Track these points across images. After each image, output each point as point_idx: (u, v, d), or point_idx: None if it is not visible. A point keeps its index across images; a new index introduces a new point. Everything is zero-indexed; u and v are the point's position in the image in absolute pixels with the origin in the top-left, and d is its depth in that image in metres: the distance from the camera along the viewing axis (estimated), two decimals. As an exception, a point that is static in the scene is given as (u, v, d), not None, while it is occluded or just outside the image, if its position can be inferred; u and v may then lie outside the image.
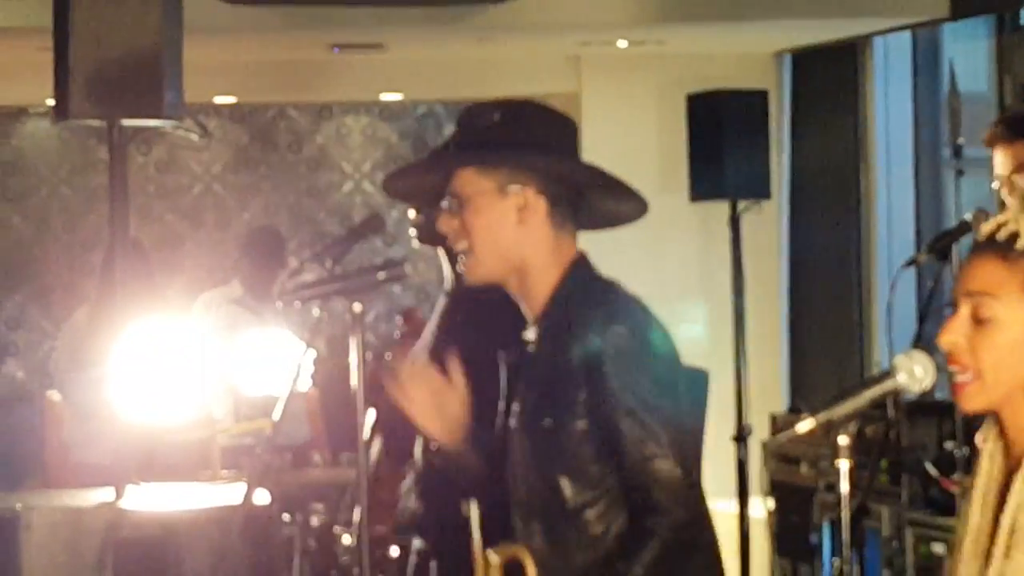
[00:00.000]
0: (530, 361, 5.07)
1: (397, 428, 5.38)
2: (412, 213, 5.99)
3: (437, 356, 5.41)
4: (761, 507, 10.84)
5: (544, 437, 4.99)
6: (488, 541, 5.03)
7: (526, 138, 5.17)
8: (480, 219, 5.06)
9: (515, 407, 5.05)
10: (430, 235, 5.32)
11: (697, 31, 12.01)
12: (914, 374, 3.96)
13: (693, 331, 11.64)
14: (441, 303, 5.59)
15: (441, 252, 5.29)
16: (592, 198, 5.18)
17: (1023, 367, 3.82)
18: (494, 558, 4.75)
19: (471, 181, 5.08)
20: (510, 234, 5.06)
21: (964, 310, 3.88)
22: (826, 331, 12.65)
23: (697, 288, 12.09)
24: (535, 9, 10.89)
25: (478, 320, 5.28)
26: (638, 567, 4.90)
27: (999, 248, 3.86)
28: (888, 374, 4.00)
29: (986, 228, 3.92)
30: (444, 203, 5.10)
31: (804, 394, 12.40)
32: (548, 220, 5.08)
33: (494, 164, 5.08)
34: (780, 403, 12.18)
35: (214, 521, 6.96)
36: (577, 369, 4.97)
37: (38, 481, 8.85)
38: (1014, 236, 3.84)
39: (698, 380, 9.48)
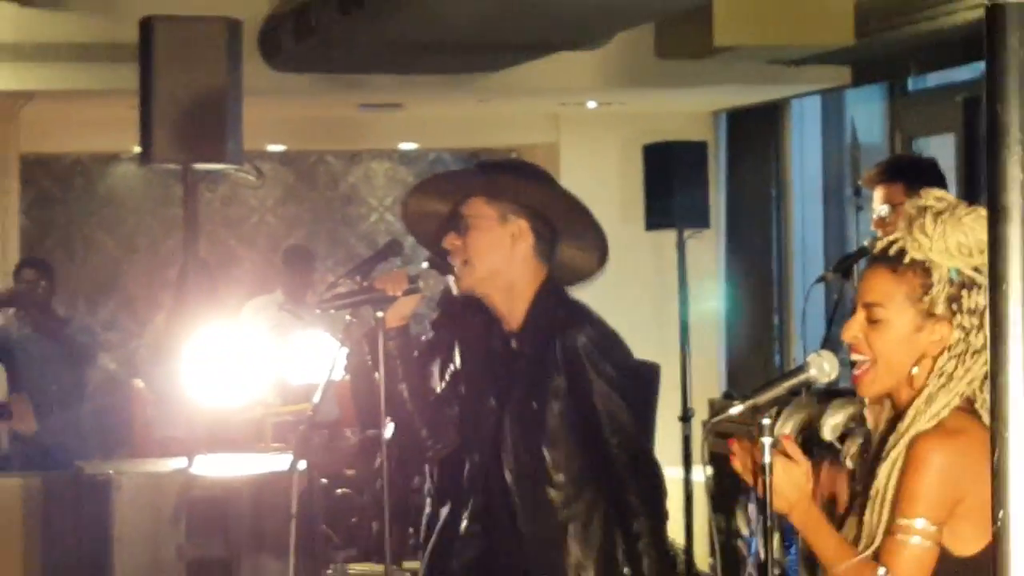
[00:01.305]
0: (515, 358, 5.09)
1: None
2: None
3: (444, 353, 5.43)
4: (701, 473, 10.84)
5: (531, 418, 5.00)
6: (489, 497, 5.12)
7: (525, 177, 5.23)
8: (482, 238, 5.05)
9: (508, 394, 5.06)
10: (441, 265, 5.32)
11: (652, 95, 12.02)
12: (823, 369, 3.93)
13: (647, 334, 11.59)
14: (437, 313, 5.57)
15: (450, 278, 5.28)
16: (563, 243, 5.20)
17: (908, 359, 3.80)
18: None
19: (479, 208, 5.08)
20: (504, 253, 5.06)
21: (861, 313, 3.87)
22: (754, 333, 12.65)
23: (650, 300, 12.07)
24: (522, 77, 10.88)
25: (475, 328, 5.27)
26: (633, 497, 4.93)
27: (889, 262, 3.83)
28: (802, 368, 3.97)
29: (880, 244, 3.93)
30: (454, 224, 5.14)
31: (736, 384, 12.39)
32: (533, 248, 5.09)
33: (500, 195, 5.10)
34: (717, 391, 12.13)
35: (265, 483, 6.94)
36: (553, 365, 4.99)
37: (126, 451, 8.83)
38: (902, 252, 3.84)
39: (652, 372, 9.52)
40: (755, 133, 12.65)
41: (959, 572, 3.71)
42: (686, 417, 11.25)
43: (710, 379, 12.50)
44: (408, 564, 7.08)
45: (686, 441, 11.24)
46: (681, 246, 11.48)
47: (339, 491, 6.66)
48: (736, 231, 12.86)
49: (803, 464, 3.83)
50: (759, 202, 12.50)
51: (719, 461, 10.15)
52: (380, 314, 5.19)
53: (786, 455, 3.83)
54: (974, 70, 9.90)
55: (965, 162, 9.79)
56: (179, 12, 9.35)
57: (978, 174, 9.63)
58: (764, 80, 11.43)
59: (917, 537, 3.67)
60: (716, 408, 10.78)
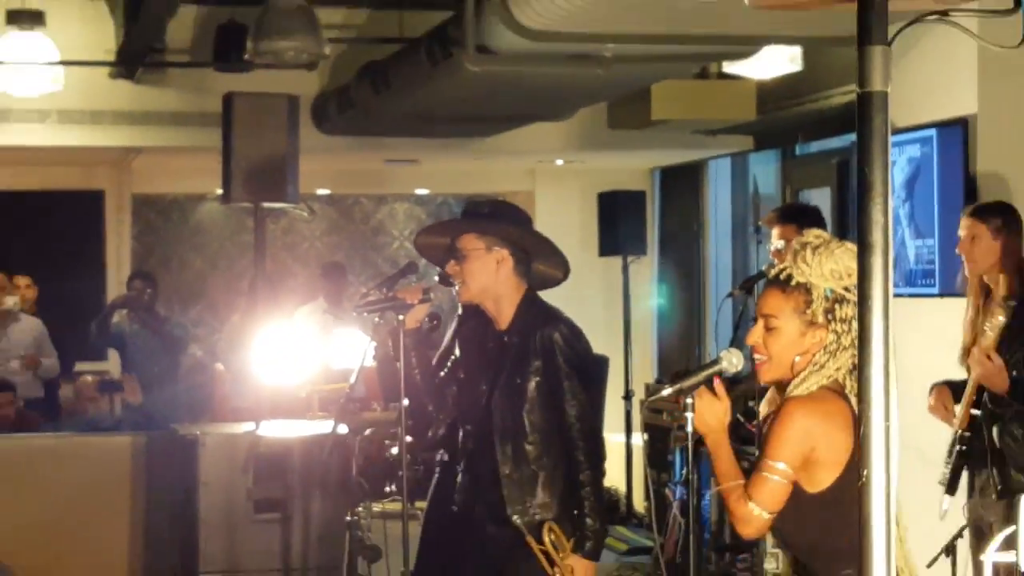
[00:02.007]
0: (505, 349, 5.11)
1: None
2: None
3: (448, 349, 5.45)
4: (639, 438, 10.86)
5: (514, 390, 5.02)
6: (478, 455, 5.13)
7: (506, 219, 5.23)
8: (474, 265, 5.07)
9: (500, 374, 5.08)
10: (444, 280, 5.32)
11: (604, 155, 12.00)
12: (732, 362, 3.94)
13: (599, 334, 11.53)
14: (455, 319, 5.58)
15: (453, 291, 5.29)
16: (535, 262, 5.21)
17: (789, 356, 3.82)
18: None
19: (471, 241, 5.09)
20: (491, 275, 5.08)
21: (760, 323, 3.89)
22: (679, 333, 12.64)
23: (602, 308, 12.03)
24: (507, 141, 10.89)
25: (474, 328, 5.28)
26: (580, 455, 4.94)
27: (780, 284, 3.84)
28: (716, 361, 3.99)
29: (772, 271, 3.95)
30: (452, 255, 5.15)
31: (665, 371, 12.37)
32: (513, 269, 5.11)
33: (486, 232, 5.11)
34: (651, 377, 12.16)
35: (314, 443, 6.90)
36: (534, 352, 5.02)
37: (208, 418, 8.79)
38: (789, 276, 3.86)
39: (603, 363, 9.52)
40: (681, 185, 12.63)
41: (811, 505, 3.72)
42: (627, 396, 11.29)
43: (646, 368, 12.48)
44: (420, 503, 7.07)
45: (627, 415, 11.27)
46: (625, 269, 11.53)
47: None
48: (666, 258, 12.83)
49: (724, 401, 3.87)
50: (684, 236, 12.49)
51: (652, 430, 10.26)
52: (401, 317, 5.22)
53: (713, 392, 3.86)
54: (845, 140, 9.89)
55: (838, 209, 9.79)
56: (252, 90, 9.45)
57: (847, 218, 9.65)
58: (688, 145, 11.44)
59: (777, 476, 3.71)
60: (650, 391, 10.81)
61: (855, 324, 3.76)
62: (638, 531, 10.63)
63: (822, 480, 3.70)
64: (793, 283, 3.83)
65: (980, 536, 6.26)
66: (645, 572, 9.39)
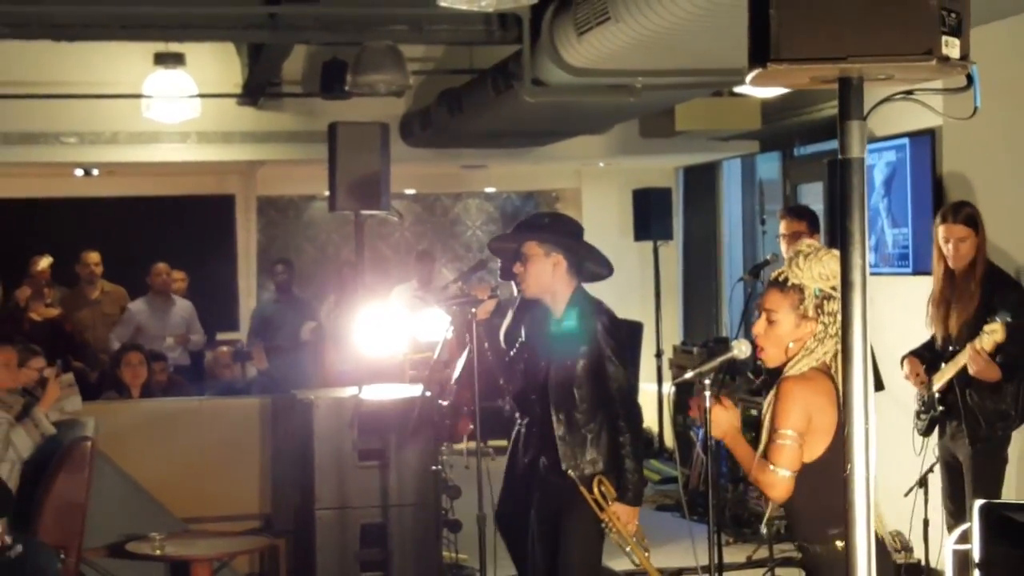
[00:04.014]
0: (559, 333, 5.11)
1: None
2: (499, 264, 6.01)
3: (515, 332, 5.46)
4: (669, 388, 10.87)
5: (566, 368, 5.04)
6: (543, 419, 5.13)
7: (561, 230, 5.22)
8: (534, 267, 5.09)
9: (552, 356, 5.09)
10: (507, 275, 5.32)
11: (637, 159, 11.94)
12: (742, 350, 3.97)
13: (636, 305, 11.61)
14: (514, 307, 5.58)
15: (513, 283, 5.29)
16: (585, 263, 5.21)
17: (786, 344, 3.80)
18: None
19: (532, 247, 5.10)
20: (549, 277, 5.09)
21: (763, 317, 3.88)
22: (700, 304, 12.60)
23: (638, 284, 11.98)
24: (559, 149, 10.88)
25: (530, 317, 5.28)
26: (621, 421, 4.95)
27: (779, 285, 3.84)
28: (729, 350, 4.02)
29: (772, 275, 3.94)
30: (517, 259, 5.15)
31: (688, 335, 12.35)
32: (567, 271, 5.11)
33: (545, 240, 5.11)
34: (678, 339, 12.14)
35: (406, 403, 6.87)
36: (582, 336, 5.03)
37: (320, 383, 8.78)
38: (786, 279, 3.85)
39: (638, 328, 9.52)
40: (701, 182, 12.55)
41: (805, 473, 3.71)
42: (659, 354, 11.26)
43: (673, 331, 12.43)
44: (492, 442, 7.07)
45: (658, 369, 11.24)
46: (655, 251, 11.49)
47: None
48: (689, 243, 12.75)
49: (733, 411, 3.87)
50: (703, 225, 12.43)
51: (679, 388, 10.25)
52: (473, 310, 5.25)
53: (723, 405, 3.86)
54: (834, 144, 9.77)
55: (828, 200, 9.72)
56: (351, 113, 9.50)
57: (836, 207, 9.57)
58: (706, 150, 11.38)
59: (788, 440, 3.69)
60: (677, 350, 10.83)
61: (839, 318, 3.77)
62: (669, 464, 10.60)
63: (816, 448, 3.69)
64: (789, 284, 3.83)
65: (949, 469, 6.24)
66: (675, 499, 9.38)
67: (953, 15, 2.38)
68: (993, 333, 5.69)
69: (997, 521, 3.66)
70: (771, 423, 3.74)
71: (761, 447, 3.75)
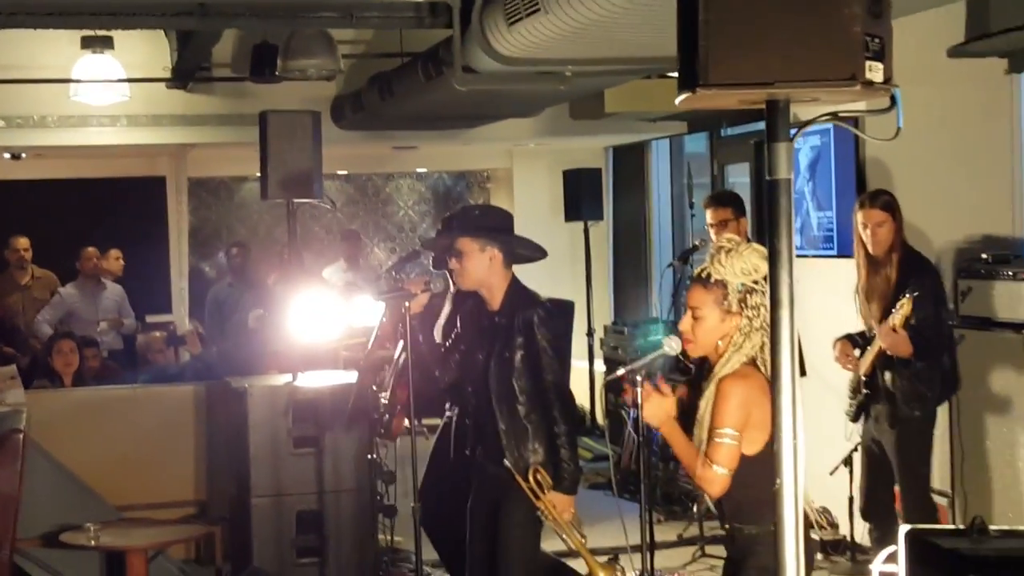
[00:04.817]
0: (496, 327, 5.13)
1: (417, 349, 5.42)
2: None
3: (451, 324, 5.49)
4: (600, 365, 10.96)
5: (505, 361, 5.04)
6: (480, 411, 5.17)
7: (494, 223, 5.23)
8: (470, 263, 5.09)
9: (493, 347, 5.10)
10: (440, 265, 5.33)
11: (568, 140, 11.93)
12: (672, 347, 4.01)
13: (567, 284, 11.67)
14: (449, 299, 5.59)
15: (447, 273, 5.31)
16: (519, 251, 5.23)
17: (716, 338, 3.87)
18: None
19: (466, 244, 5.10)
20: (484, 270, 5.09)
21: (689, 313, 3.94)
22: (630, 284, 12.67)
23: (569, 264, 12.00)
24: (490, 131, 10.85)
25: (471, 309, 5.30)
26: (556, 412, 4.98)
27: (703, 281, 3.90)
28: (660, 346, 4.07)
29: (696, 271, 3.99)
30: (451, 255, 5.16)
31: (619, 314, 12.43)
32: (502, 262, 5.13)
33: (478, 236, 5.13)
34: (608, 318, 12.21)
35: (340, 389, 6.89)
36: (518, 329, 5.04)
37: (263, 371, 8.69)
38: (709, 275, 3.91)
39: (570, 306, 9.54)
40: (630, 162, 12.58)
41: (745, 466, 3.77)
42: (590, 333, 11.34)
43: (604, 310, 12.48)
44: (427, 420, 7.09)
45: (590, 347, 11.31)
46: (586, 231, 11.53)
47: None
48: (619, 223, 12.79)
49: (670, 398, 3.92)
50: (633, 205, 12.48)
51: (609, 363, 10.36)
52: (407, 304, 5.27)
53: (660, 392, 3.92)
54: (760, 125, 9.88)
55: (756, 180, 9.82)
56: (281, 96, 9.46)
57: (763, 186, 9.65)
58: (635, 130, 11.40)
59: (727, 439, 3.75)
60: (608, 330, 10.91)
61: (763, 310, 3.84)
62: (600, 441, 10.66)
63: (757, 440, 3.74)
64: (712, 280, 3.88)
65: (871, 454, 6.37)
66: (606, 477, 9.46)
67: (876, 40, 2.44)
68: (901, 307, 5.83)
69: (923, 546, 3.74)
70: (711, 422, 3.80)
71: (703, 446, 3.81)
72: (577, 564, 6.63)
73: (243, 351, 9.41)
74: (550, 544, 6.31)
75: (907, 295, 5.83)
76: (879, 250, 6.17)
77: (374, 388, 6.15)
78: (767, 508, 3.63)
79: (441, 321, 5.46)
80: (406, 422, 5.60)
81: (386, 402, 6.03)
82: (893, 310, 5.88)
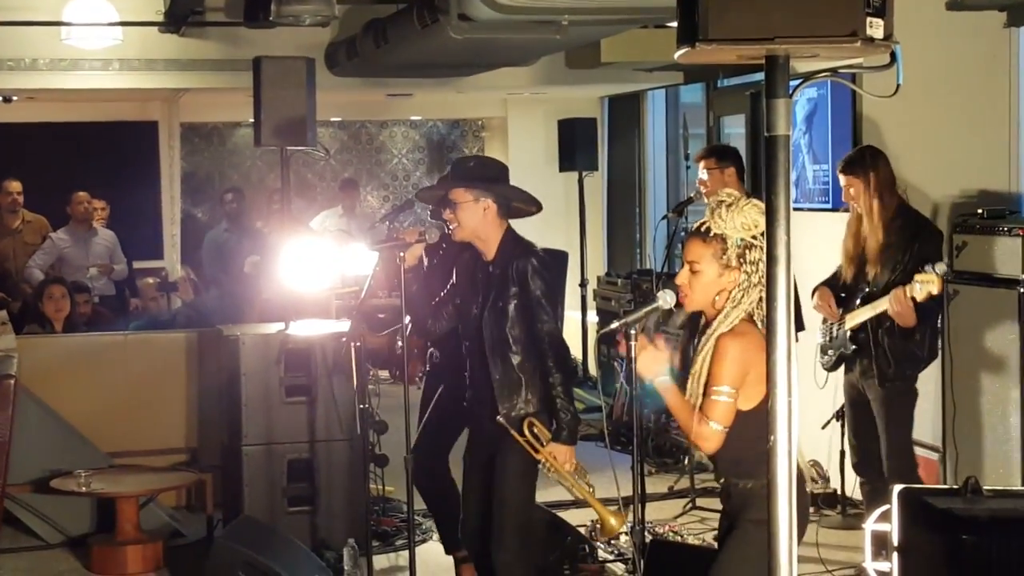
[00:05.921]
0: (491, 277, 5.10)
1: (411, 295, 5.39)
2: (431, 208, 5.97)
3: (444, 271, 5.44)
4: (594, 316, 10.94)
5: (499, 311, 5.01)
6: (477, 363, 5.10)
7: (488, 174, 5.19)
8: (464, 214, 5.05)
9: (488, 297, 5.08)
10: (437, 215, 5.29)
11: (563, 89, 11.85)
12: (667, 300, 3.98)
13: (561, 234, 11.64)
14: (424, 252, 5.54)
15: (443, 223, 5.27)
16: (513, 203, 5.19)
17: (713, 292, 3.85)
18: None
19: (461, 194, 5.06)
20: (479, 221, 5.05)
21: (686, 267, 3.92)
22: (625, 239, 12.63)
23: (563, 214, 11.99)
24: (485, 79, 10.76)
25: (467, 260, 5.27)
26: (550, 361, 4.95)
27: (701, 234, 3.87)
28: (654, 299, 4.05)
29: (694, 225, 3.97)
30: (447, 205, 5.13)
31: (612, 265, 12.39)
32: (496, 213, 5.09)
33: (473, 186, 5.09)
34: (602, 269, 12.18)
35: (331, 338, 6.88)
36: (512, 279, 5.01)
37: (247, 320, 8.68)
38: (708, 228, 3.88)
39: (563, 257, 9.52)
40: (625, 112, 12.50)
41: (742, 421, 3.76)
42: (583, 284, 11.32)
43: (597, 261, 12.47)
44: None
45: (583, 298, 11.30)
46: (581, 182, 11.50)
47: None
48: (614, 173, 12.72)
49: (664, 352, 3.90)
50: (627, 155, 12.41)
51: (603, 314, 10.34)
52: (402, 254, 5.23)
53: (655, 346, 3.89)
54: (757, 76, 9.84)
55: (751, 132, 9.78)
56: (275, 42, 9.37)
57: (759, 139, 9.61)
58: (631, 80, 11.32)
59: (724, 396, 3.75)
60: (601, 281, 10.89)
61: (762, 265, 3.81)
62: (592, 392, 10.66)
63: (754, 396, 3.73)
64: (711, 234, 3.86)
65: (855, 406, 6.35)
66: (598, 428, 9.47)
67: (877, -4, 2.40)
68: (927, 284, 5.72)
69: (916, 506, 3.73)
70: (708, 379, 3.78)
71: (697, 402, 3.80)
72: (571, 515, 6.65)
73: (237, 298, 9.36)
74: (545, 495, 6.34)
75: (936, 272, 5.74)
76: (862, 211, 6.16)
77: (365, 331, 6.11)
78: (763, 463, 3.63)
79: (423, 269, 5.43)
80: (420, 367, 5.57)
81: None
82: (915, 280, 5.77)
